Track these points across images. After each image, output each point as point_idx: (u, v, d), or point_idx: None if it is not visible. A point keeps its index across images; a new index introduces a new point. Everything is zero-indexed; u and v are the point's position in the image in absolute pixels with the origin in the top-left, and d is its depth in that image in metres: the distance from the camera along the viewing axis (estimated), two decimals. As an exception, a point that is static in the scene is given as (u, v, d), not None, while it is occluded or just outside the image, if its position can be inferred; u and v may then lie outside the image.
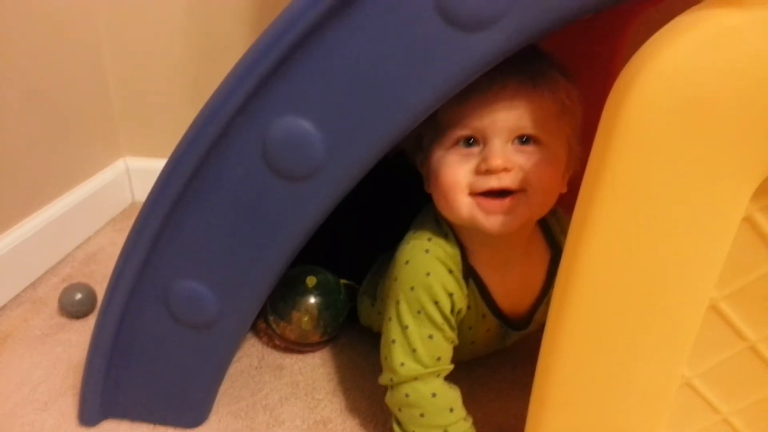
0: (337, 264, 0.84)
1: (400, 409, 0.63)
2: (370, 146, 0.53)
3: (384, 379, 0.63)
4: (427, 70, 0.49)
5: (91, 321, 0.87)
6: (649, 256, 0.42)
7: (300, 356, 0.82)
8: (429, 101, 0.50)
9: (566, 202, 0.57)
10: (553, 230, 0.66)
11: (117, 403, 0.69)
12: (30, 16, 0.96)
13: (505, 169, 0.55)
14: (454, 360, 0.64)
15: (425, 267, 0.61)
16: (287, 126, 0.52)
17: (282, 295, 0.80)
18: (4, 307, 0.92)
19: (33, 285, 0.97)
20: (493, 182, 0.56)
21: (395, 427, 0.64)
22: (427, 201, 0.71)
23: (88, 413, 0.69)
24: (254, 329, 0.85)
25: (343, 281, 0.84)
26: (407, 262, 0.62)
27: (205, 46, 1.15)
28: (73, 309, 0.88)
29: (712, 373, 0.48)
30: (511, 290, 0.66)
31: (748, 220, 0.41)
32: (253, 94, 0.52)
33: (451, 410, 0.62)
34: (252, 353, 0.82)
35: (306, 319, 0.79)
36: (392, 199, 0.84)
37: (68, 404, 0.73)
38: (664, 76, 0.37)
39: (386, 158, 0.56)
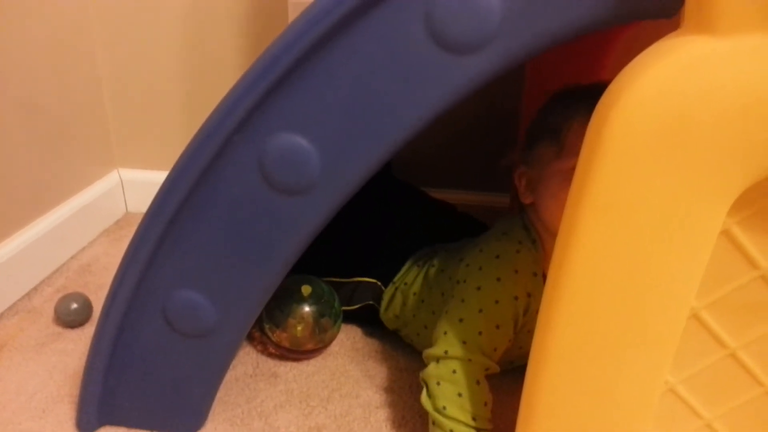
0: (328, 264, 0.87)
1: (438, 383, 0.65)
2: (364, 163, 0.54)
3: (437, 351, 0.65)
4: (420, 91, 0.51)
5: (86, 330, 0.88)
6: (632, 268, 0.44)
7: (294, 364, 0.83)
8: (421, 120, 0.52)
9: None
10: None
11: (114, 409, 0.70)
12: (26, 27, 0.97)
13: None
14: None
15: (515, 265, 0.66)
16: (284, 142, 0.54)
17: (278, 304, 0.81)
18: (0, 316, 0.92)
19: (28, 295, 0.98)
20: None
21: (424, 398, 0.66)
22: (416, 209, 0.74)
23: (86, 420, 0.70)
24: (249, 337, 0.86)
25: (367, 279, 0.86)
26: (498, 257, 0.67)
27: (199, 60, 1.16)
28: (68, 318, 0.89)
29: (694, 380, 0.50)
30: None
31: (726, 234, 0.43)
32: (252, 111, 0.53)
33: (485, 404, 0.64)
34: (247, 361, 0.83)
35: (301, 327, 0.80)
36: (381, 206, 0.87)
37: (65, 411, 0.74)
38: (643, 99, 0.39)
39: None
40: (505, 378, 0.73)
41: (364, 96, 0.52)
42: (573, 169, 0.61)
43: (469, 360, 0.64)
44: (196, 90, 1.18)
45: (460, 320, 0.66)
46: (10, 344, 0.86)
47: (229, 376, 0.80)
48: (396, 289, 0.84)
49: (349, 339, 0.88)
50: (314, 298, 0.82)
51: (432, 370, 0.66)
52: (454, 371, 0.64)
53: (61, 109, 1.07)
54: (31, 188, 1.01)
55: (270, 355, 0.84)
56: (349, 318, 0.89)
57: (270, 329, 0.81)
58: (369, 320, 0.88)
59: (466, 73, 0.49)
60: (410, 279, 0.83)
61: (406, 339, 0.85)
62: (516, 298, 0.65)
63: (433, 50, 0.49)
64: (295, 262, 0.61)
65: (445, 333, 0.66)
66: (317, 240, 0.60)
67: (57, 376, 0.80)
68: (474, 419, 0.63)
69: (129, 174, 1.26)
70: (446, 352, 0.65)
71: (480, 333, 0.65)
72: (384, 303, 0.85)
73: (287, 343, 0.81)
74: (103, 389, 0.68)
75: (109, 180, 1.23)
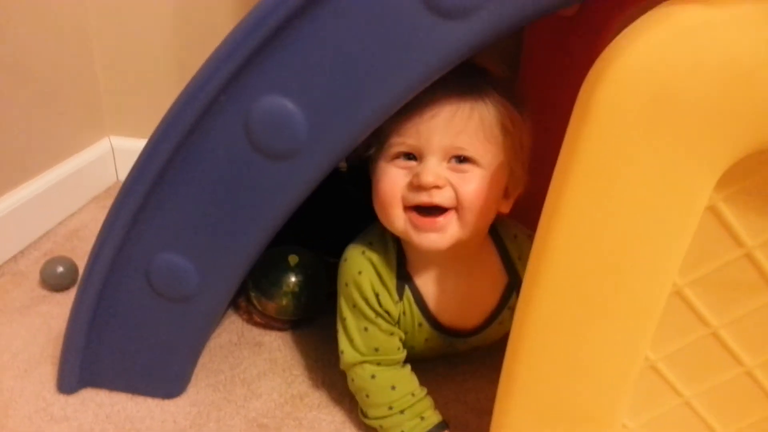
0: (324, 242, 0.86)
1: (355, 394, 0.67)
2: (352, 127, 0.54)
3: (340, 365, 0.68)
4: (409, 55, 0.50)
5: (72, 294, 0.86)
6: (615, 242, 0.43)
7: (279, 334, 0.83)
8: (410, 86, 0.51)
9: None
10: (511, 255, 0.67)
11: (96, 372, 0.70)
12: (17, -10, 0.95)
13: (436, 186, 0.57)
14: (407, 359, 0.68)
15: (358, 266, 0.65)
16: (270, 105, 0.53)
17: (264, 273, 0.81)
18: (-15, 278, 0.92)
19: (14, 258, 0.97)
20: (424, 197, 0.58)
21: (359, 413, 0.68)
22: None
23: (67, 381, 0.70)
24: (235, 306, 0.86)
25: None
26: (345, 260, 0.66)
27: (192, 27, 1.14)
28: (54, 282, 0.88)
29: (675, 357, 0.50)
30: (453, 306, 0.68)
31: (712, 210, 0.43)
32: (238, 73, 0.52)
33: (393, 388, 0.65)
34: (232, 330, 0.83)
35: (287, 296, 0.80)
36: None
37: (47, 373, 0.73)
38: (632, 70, 0.38)
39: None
40: (486, 352, 0.74)
41: (352, 59, 0.51)
42: (391, 156, 0.60)
43: (353, 365, 0.66)
44: (189, 58, 1.16)
45: (338, 331, 0.67)
46: (-6, 306, 0.86)
47: (214, 343, 0.80)
48: None
49: (336, 311, 0.88)
50: (301, 269, 0.81)
51: (348, 387, 0.68)
52: (353, 380, 0.66)
53: (50, 73, 1.06)
54: (18, 151, 1.00)
55: (255, 324, 0.84)
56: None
57: (256, 298, 0.81)
58: None
59: (456, 38, 0.48)
60: None
61: None
62: (365, 299, 0.64)
63: (422, 13, 0.48)
64: (280, 229, 0.60)
65: (339, 346, 0.67)
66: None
67: (40, 338, 0.80)
68: (390, 408, 0.64)
69: (120, 142, 1.24)
70: (343, 363, 0.67)
71: (352, 340, 0.65)
72: None
73: (273, 312, 0.81)
74: (85, 351, 0.68)
75: (100, 147, 1.22)
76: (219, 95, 0.53)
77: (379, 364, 0.65)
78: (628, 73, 0.39)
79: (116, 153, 1.25)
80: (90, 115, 1.20)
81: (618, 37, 0.41)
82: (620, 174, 0.41)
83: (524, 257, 0.65)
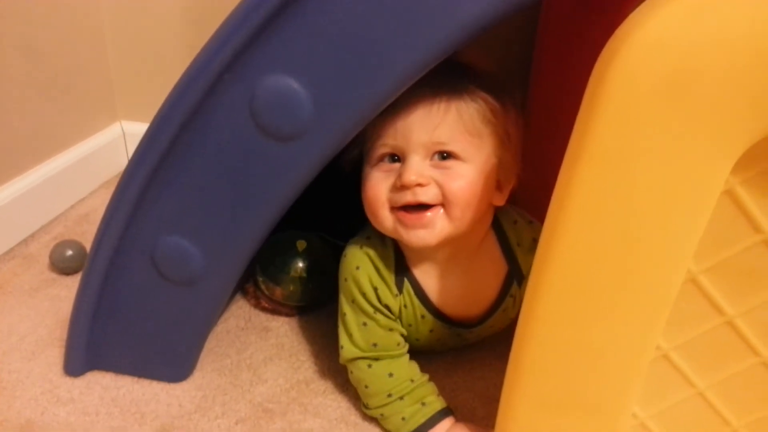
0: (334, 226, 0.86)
1: (356, 387, 0.67)
2: (358, 108, 0.52)
3: (340, 360, 0.67)
4: (416, 33, 0.48)
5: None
6: (628, 225, 0.42)
7: (286, 319, 0.82)
8: (416, 64, 0.50)
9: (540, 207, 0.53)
10: (510, 243, 0.66)
11: (102, 355, 0.70)
12: (26, -30, 0.95)
13: (419, 185, 0.56)
14: (412, 352, 0.68)
15: (356, 261, 0.65)
16: (275, 85, 0.52)
17: (272, 258, 0.80)
18: (-4, 260, 0.92)
19: (25, 241, 0.98)
20: (408, 197, 0.57)
21: (362, 406, 0.68)
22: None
23: (73, 364, 0.70)
24: (242, 291, 0.86)
25: None
26: (345, 256, 0.66)
27: (204, 11, 1.13)
28: (63, 265, 0.89)
29: (688, 347, 0.48)
30: (455, 297, 0.67)
31: (729, 194, 0.41)
32: (241, 52, 0.51)
33: (391, 375, 0.64)
34: (239, 314, 0.83)
35: (295, 282, 0.80)
36: None
37: (55, 355, 0.74)
38: (646, 47, 0.37)
39: None
40: (495, 340, 0.73)
41: (357, 37, 0.49)
42: (375, 160, 0.60)
43: (351, 360, 0.66)
44: (201, 43, 1.14)
45: (338, 326, 0.67)
46: (4, 288, 0.86)
47: (221, 328, 0.80)
48: None
49: (343, 298, 0.87)
50: (309, 254, 0.81)
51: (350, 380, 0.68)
52: (352, 372, 0.66)
53: (62, 58, 1.06)
54: (30, 135, 1.00)
55: (263, 309, 0.84)
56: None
57: (264, 283, 0.81)
58: None
59: (464, 14, 0.47)
60: None
61: None
62: (363, 294, 0.64)
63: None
64: (288, 213, 0.60)
65: (339, 341, 0.67)
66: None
67: (48, 321, 0.80)
68: (389, 395, 0.64)
69: (132, 127, 1.24)
70: (342, 358, 0.67)
71: (351, 335, 0.65)
72: None
73: (280, 297, 0.81)
74: (90, 334, 0.68)
75: (111, 132, 1.22)
76: (223, 74, 0.52)
77: (377, 359, 0.65)
78: (644, 49, 0.37)
79: (127, 138, 1.25)
80: (102, 100, 1.20)
81: (634, 12, 0.39)
82: (633, 155, 0.40)
83: (523, 243, 0.65)
